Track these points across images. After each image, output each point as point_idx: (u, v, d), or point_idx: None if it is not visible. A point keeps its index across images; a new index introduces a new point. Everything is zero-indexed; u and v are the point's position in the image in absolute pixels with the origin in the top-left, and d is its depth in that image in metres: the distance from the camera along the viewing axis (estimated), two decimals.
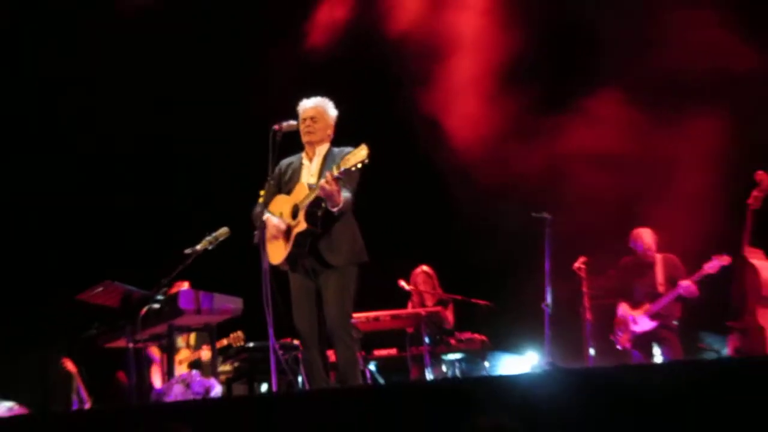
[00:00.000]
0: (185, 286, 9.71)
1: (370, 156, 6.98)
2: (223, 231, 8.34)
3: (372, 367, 10.07)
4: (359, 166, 6.99)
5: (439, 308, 10.49)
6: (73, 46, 11.46)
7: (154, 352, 10.15)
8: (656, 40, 10.41)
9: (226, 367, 9.76)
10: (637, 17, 10.62)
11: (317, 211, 7.27)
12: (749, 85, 9.89)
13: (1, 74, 11.60)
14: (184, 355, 10.01)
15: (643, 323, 9.98)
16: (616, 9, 10.58)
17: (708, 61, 10.14)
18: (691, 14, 10.19)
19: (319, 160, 7.56)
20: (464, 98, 11.17)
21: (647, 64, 10.53)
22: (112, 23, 11.47)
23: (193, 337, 9.80)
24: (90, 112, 11.65)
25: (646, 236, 10.16)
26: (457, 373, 10.50)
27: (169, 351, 8.96)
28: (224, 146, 11.21)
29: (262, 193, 7.59)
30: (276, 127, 7.53)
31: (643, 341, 10.01)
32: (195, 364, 9.90)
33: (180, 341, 10.14)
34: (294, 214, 7.38)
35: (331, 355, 7.95)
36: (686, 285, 9.82)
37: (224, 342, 9.89)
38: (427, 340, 9.99)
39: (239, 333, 9.74)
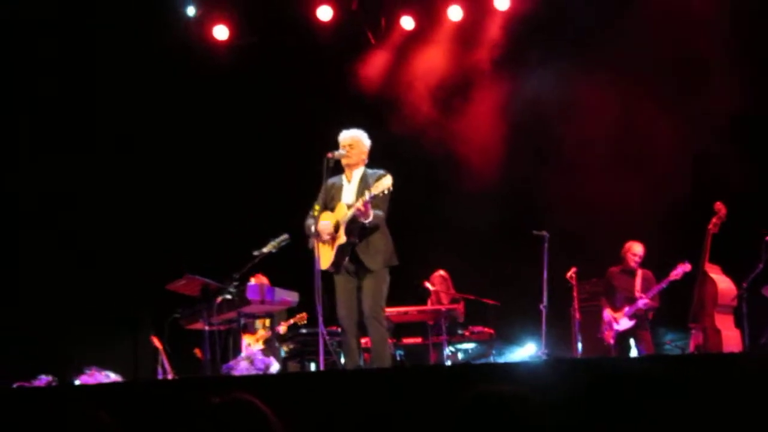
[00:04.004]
0: (264, 279, 9.73)
1: (393, 185, 7.14)
2: (284, 237, 8.35)
3: (400, 352, 10.02)
4: (386, 192, 7.13)
5: (456, 305, 10.45)
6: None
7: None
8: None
9: (284, 348, 9.79)
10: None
11: (354, 226, 7.32)
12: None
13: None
14: (260, 333, 10.06)
15: (623, 323, 9.88)
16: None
17: None
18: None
19: (356, 181, 7.59)
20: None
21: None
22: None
23: (268, 320, 9.82)
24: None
25: (637, 248, 10.01)
26: (469, 359, 10.46)
27: (237, 333, 8.98)
28: (288, 168, 11.23)
29: (317, 207, 7.61)
30: (329, 155, 7.57)
31: (623, 337, 9.91)
32: (269, 341, 9.94)
33: (258, 323, 10.20)
34: (336, 229, 7.42)
35: (366, 342, 7.95)
36: (644, 301, 9.77)
37: (290, 321, 9.91)
38: (444, 331, 9.95)
39: (304, 314, 9.75)
